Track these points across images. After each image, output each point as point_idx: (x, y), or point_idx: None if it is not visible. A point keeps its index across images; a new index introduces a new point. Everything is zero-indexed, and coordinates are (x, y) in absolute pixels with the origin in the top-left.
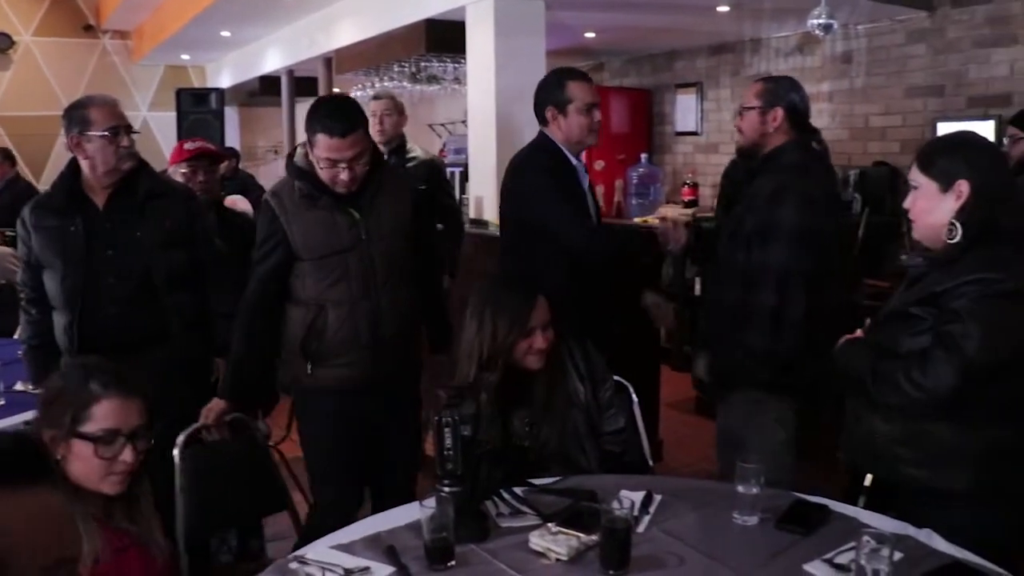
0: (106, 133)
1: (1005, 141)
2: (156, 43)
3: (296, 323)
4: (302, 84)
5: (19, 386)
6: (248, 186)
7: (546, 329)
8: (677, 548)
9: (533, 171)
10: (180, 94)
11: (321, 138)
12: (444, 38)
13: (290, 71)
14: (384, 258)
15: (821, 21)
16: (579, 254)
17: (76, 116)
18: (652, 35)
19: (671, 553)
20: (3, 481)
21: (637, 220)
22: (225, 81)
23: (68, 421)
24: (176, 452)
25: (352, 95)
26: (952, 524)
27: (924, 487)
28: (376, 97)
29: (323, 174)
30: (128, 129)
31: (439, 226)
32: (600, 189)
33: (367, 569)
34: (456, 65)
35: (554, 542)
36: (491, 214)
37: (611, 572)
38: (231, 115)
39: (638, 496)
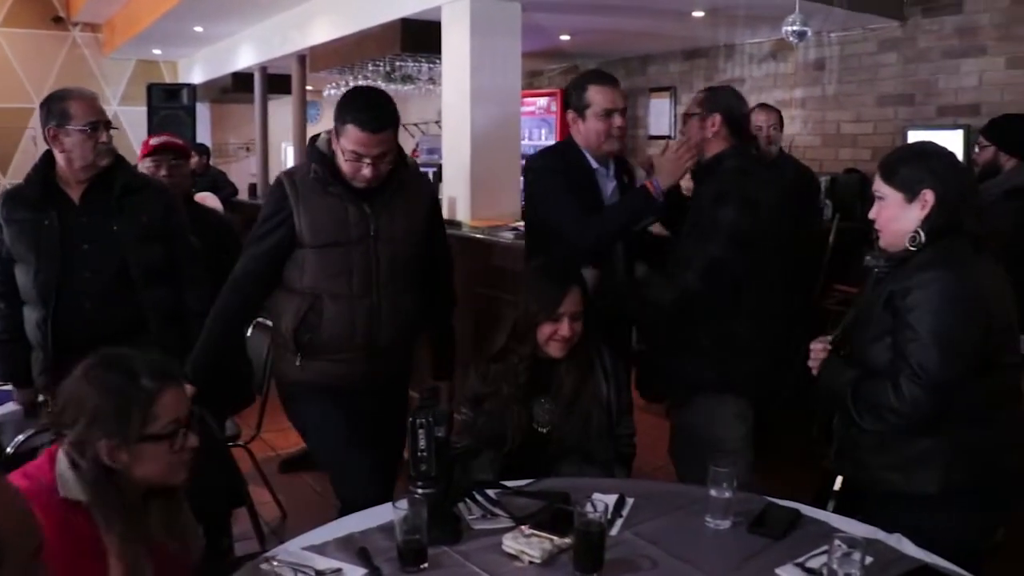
0: (85, 128)
1: (976, 149)
2: (127, 37)
3: (289, 313)
4: (275, 81)
5: None
6: (219, 183)
7: (575, 320)
8: (650, 551)
9: (536, 171)
10: (151, 89)
11: (352, 129)
12: (419, 38)
13: (263, 68)
14: (390, 260)
15: (795, 28)
16: (577, 247)
17: (55, 109)
18: (627, 39)
19: (644, 556)
20: None
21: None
22: (197, 77)
23: (136, 428)
24: None
25: (325, 94)
26: (921, 527)
27: (895, 490)
28: None
29: (346, 166)
30: (107, 125)
31: None
32: None
33: (339, 571)
34: (431, 65)
35: (527, 544)
36: (464, 215)
37: (584, 575)
38: (203, 111)
39: (611, 499)
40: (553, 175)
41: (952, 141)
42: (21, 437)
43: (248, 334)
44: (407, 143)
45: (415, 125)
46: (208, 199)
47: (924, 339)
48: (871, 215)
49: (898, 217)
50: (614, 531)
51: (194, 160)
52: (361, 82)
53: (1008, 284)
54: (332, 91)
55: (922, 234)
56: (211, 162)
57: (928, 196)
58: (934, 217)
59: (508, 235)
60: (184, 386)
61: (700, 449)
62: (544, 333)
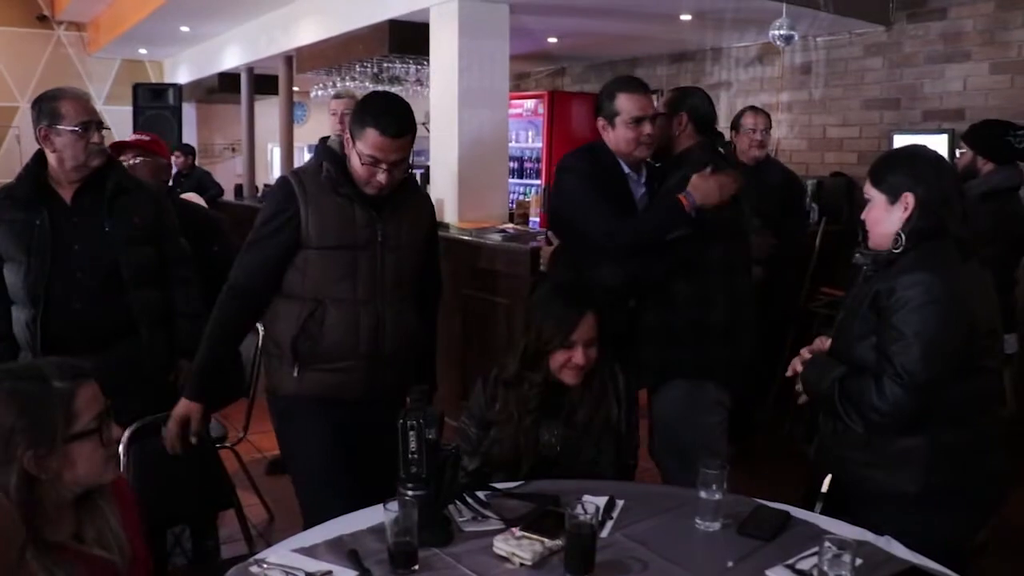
0: (77, 128)
1: (959, 153)
2: (113, 36)
3: (288, 320)
4: (262, 82)
5: None
6: (204, 184)
7: (589, 347)
8: (640, 553)
9: (565, 171)
10: (137, 89)
11: (371, 133)
12: (407, 39)
13: (250, 68)
14: (395, 267)
15: (782, 32)
16: (609, 248)
17: (47, 108)
18: (614, 42)
19: (634, 558)
20: None
21: None
22: (183, 77)
23: (61, 430)
24: (121, 448)
25: (312, 95)
26: (905, 527)
27: (878, 490)
28: (337, 96)
29: (361, 170)
30: (99, 125)
31: None
32: None
33: (329, 573)
34: (419, 67)
35: (518, 547)
36: (452, 217)
37: None
38: (189, 111)
39: (601, 501)
40: (587, 177)
41: (937, 145)
42: None
43: None
44: None
45: None
46: (193, 200)
47: (907, 340)
48: (862, 216)
49: (882, 219)
50: (604, 533)
51: (180, 160)
52: (349, 84)
53: (993, 289)
54: (319, 92)
55: (903, 236)
56: (196, 163)
57: (909, 199)
58: (915, 219)
59: (495, 237)
60: (91, 378)
61: (678, 433)
62: (557, 361)
